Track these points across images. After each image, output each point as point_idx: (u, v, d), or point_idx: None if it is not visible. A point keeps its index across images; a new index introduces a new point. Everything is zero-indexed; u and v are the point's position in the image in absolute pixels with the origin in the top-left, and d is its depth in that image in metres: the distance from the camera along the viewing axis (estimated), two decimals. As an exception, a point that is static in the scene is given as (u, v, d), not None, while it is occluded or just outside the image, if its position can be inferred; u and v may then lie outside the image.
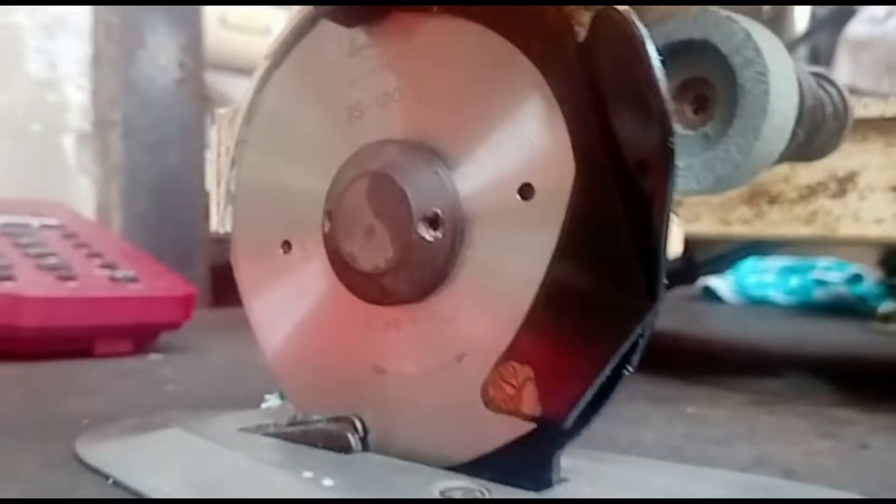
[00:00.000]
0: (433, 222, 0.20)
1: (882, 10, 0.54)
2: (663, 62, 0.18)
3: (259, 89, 0.25)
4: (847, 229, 0.35)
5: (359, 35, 0.23)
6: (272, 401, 0.26)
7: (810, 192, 0.36)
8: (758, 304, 0.98)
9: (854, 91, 0.50)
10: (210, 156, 0.26)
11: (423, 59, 0.21)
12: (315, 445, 0.23)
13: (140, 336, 0.45)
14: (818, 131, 0.20)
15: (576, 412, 0.18)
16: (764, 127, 0.17)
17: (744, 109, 0.17)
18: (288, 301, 0.24)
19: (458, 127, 0.21)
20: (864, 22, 0.49)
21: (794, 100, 0.18)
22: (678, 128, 0.19)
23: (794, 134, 0.18)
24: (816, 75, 0.21)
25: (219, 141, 0.26)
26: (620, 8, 0.16)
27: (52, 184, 0.67)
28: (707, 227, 0.38)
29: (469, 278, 0.21)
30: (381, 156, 0.22)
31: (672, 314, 0.84)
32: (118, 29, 0.68)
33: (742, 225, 0.37)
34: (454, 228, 0.20)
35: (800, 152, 0.19)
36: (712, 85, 0.17)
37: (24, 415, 0.31)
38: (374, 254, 0.21)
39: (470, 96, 0.20)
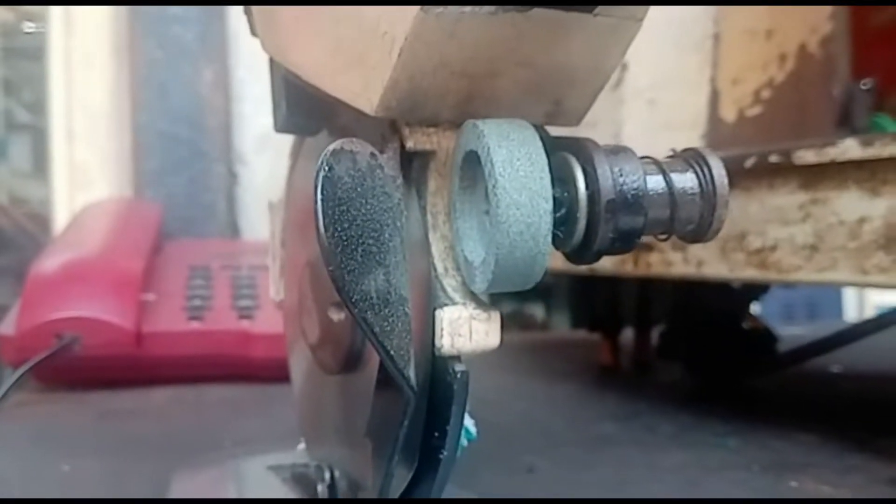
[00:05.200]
0: (339, 306, 0.24)
1: None
2: (469, 167, 0.20)
3: (287, 184, 0.30)
4: None
5: (321, 138, 0.26)
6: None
7: (953, 236, 0.30)
8: None
9: None
10: (270, 237, 0.32)
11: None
12: (299, 487, 0.27)
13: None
14: (668, 216, 0.19)
15: (387, 489, 0.20)
16: (499, 236, 0.17)
17: (490, 219, 0.18)
18: (300, 359, 0.29)
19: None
20: None
21: (542, 207, 0.17)
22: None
23: (569, 233, 0.18)
24: (689, 155, 0.20)
25: (273, 225, 0.32)
26: (342, 142, 0.18)
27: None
28: (844, 275, 0.34)
29: (371, 357, 0.23)
30: (317, 245, 0.25)
31: None
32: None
33: (880, 274, 0.32)
34: (354, 313, 0.23)
35: (621, 242, 0.18)
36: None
37: (195, 435, 0.39)
38: (312, 330, 0.25)
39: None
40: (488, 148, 0.18)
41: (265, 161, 0.78)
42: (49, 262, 0.50)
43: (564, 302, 0.95)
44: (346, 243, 0.17)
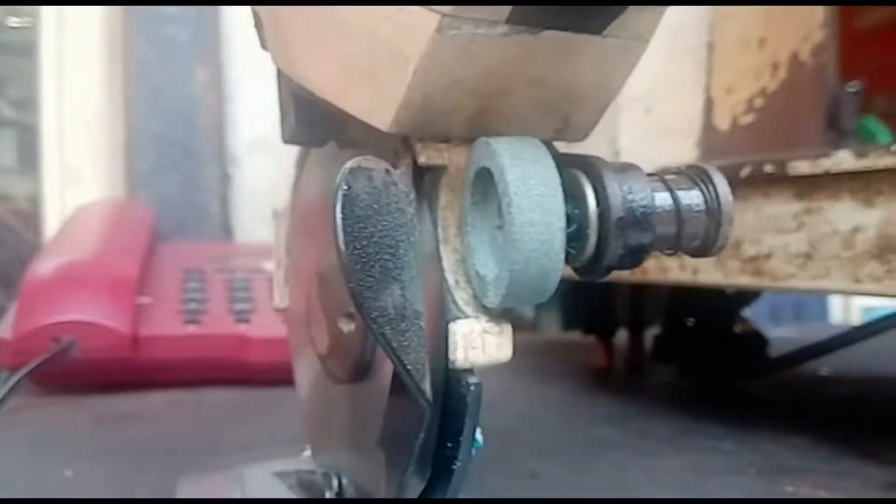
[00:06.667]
0: (349, 317, 0.24)
1: None
2: (481, 183, 0.20)
3: (293, 191, 0.30)
4: None
5: (330, 149, 0.27)
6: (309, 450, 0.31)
7: (944, 246, 0.31)
8: None
9: None
10: (273, 244, 0.32)
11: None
12: (306, 494, 0.27)
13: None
14: (674, 232, 0.20)
15: (404, 495, 0.20)
16: (514, 253, 0.18)
17: (504, 236, 0.18)
18: (305, 368, 0.29)
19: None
20: None
21: (556, 225, 0.18)
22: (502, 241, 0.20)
23: (579, 249, 0.19)
24: (694, 172, 0.20)
25: (278, 232, 0.32)
26: (358, 160, 0.18)
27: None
28: (837, 283, 0.34)
29: (380, 368, 0.24)
30: (328, 257, 0.26)
31: None
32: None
33: (873, 283, 0.33)
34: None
35: (630, 258, 0.19)
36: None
37: (195, 439, 0.39)
38: (321, 340, 0.25)
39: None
40: (502, 167, 0.18)
41: (259, 163, 0.78)
42: (44, 266, 0.50)
43: (554, 304, 0.96)
44: (364, 260, 0.18)
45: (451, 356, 0.20)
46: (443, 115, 0.20)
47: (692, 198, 0.20)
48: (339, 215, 0.17)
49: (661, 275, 0.42)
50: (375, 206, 0.18)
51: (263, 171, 0.78)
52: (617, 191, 0.19)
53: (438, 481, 0.21)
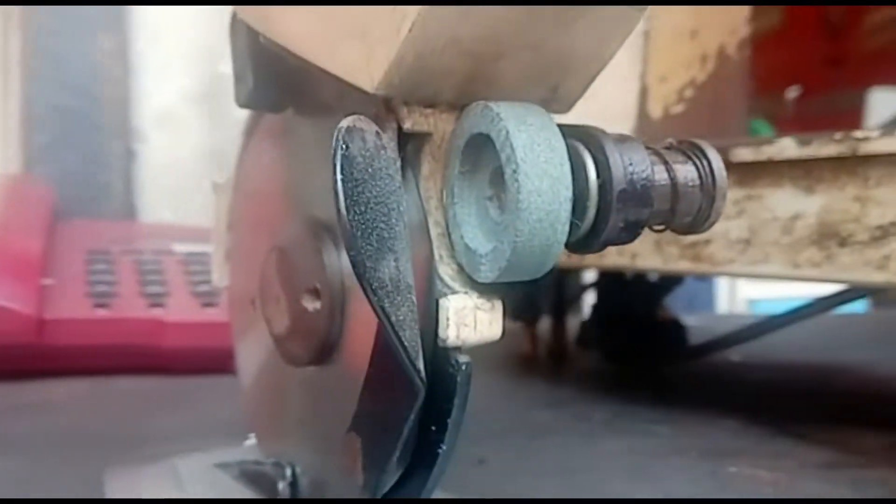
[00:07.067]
0: (315, 294, 0.22)
1: None
2: (472, 151, 0.19)
3: (239, 163, 0.28)
4: (925, 277, 0.31)
5: (287, 116, 0.25)
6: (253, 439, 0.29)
7: (883, 233, 0.32)
8: None
9: None
10: (213, 220, 0.30)
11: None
12: (253, 486, 0.26)
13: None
14: (668, 208, 0.19)
15: (381, 486, 0.19)
16: (518, 224, 0.17)
17: (507, 206, 0.17)
18: (252, 351, 0.28)
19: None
20: None
21: (563, 194, 0.17)
22: (495, 213, 0.19)
23: (583, 222, 0.18)
24: (686, 146, 0.20)
25: (218, 207, 0.30)
26: (352, 119, 0.17)
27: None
28: (776, 268, 0.35)
29: (348, 348, 0.22)
30: (288, 230, 0.24)
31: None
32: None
33: (812, 268, 0.34)
34: (332, 301, 0.22)
35: (627, 232, 0.18)
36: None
37: (114, 431, 0.37)
38: (279, 320, 0.24)
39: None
40: (507, 131, 0.17)
41: (165, 139, 0.74)
42: (-64, 243, 0.46)
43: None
44: (363, 227, 0.16)
45: (441, 333, 0.18)
46: (433, 78, 0.19)
47: (687, 172, 0.19)
48: (338, 177, 0.16)
49: (598, 259, 0.42)
50: (370, 170, 0.17)
51: (170, 147, 0.74)
52: (619, 162, 0.18)
53: (419, 467, 0.20)
